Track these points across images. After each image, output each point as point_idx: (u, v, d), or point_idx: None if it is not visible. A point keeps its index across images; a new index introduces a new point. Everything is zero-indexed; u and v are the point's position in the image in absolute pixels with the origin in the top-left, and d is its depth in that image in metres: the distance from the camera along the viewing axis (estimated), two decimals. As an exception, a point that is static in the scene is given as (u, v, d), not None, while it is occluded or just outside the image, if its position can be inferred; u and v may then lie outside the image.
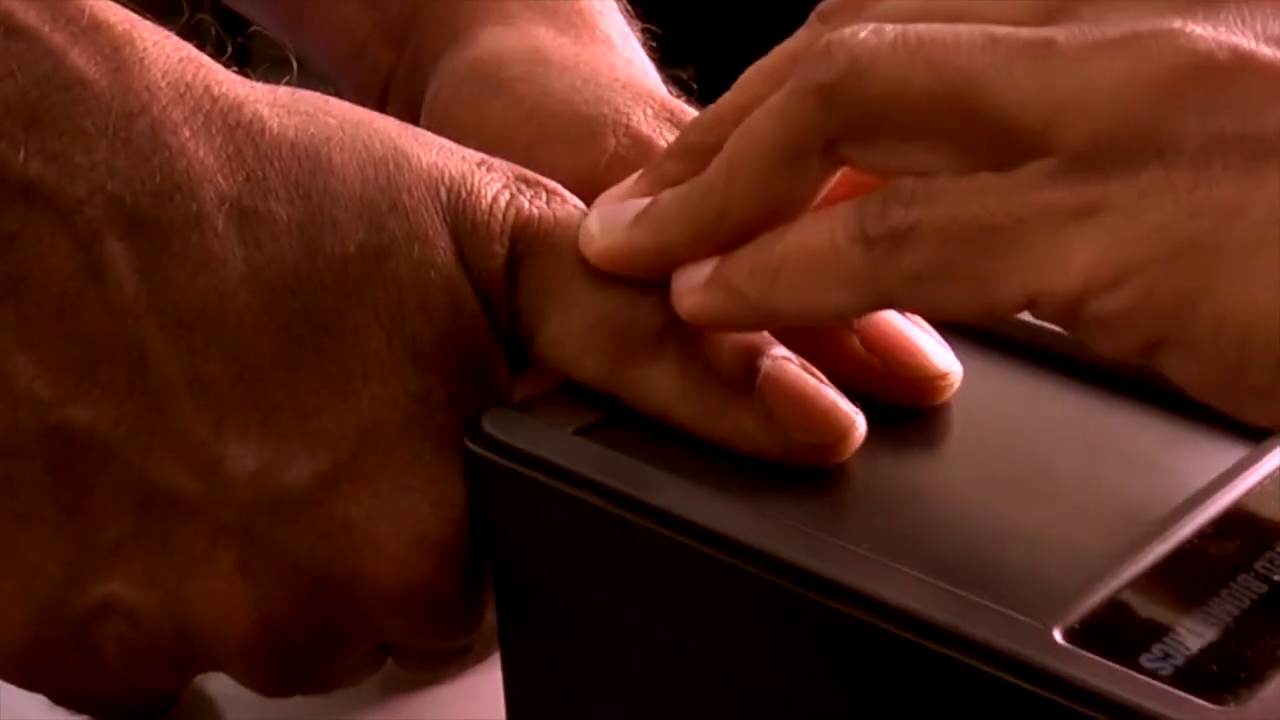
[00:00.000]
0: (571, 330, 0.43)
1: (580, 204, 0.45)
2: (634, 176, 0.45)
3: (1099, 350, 0.37)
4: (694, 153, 0.43)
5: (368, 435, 0.42)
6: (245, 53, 0.56)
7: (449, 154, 0.44)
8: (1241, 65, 0.36)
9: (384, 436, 0.42)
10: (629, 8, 0.59)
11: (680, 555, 0.39)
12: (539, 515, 0.41)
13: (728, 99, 0.44)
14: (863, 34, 0.39)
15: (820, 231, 0.39)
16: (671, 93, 0.53)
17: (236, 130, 0.42)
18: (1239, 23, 0.37)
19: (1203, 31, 0.36)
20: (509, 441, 0.42)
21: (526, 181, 0.45)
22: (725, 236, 0.41)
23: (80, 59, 0.40)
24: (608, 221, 0.43)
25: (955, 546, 0.39)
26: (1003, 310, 0.37)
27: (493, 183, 0.44)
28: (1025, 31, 0.38)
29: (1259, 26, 0.37)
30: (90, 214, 0.40)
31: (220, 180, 0.41)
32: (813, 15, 0.44)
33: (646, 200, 0.43)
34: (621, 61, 0.55)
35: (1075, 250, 0.36)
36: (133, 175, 0.40)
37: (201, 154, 0.41)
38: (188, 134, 0.41)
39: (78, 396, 0.40)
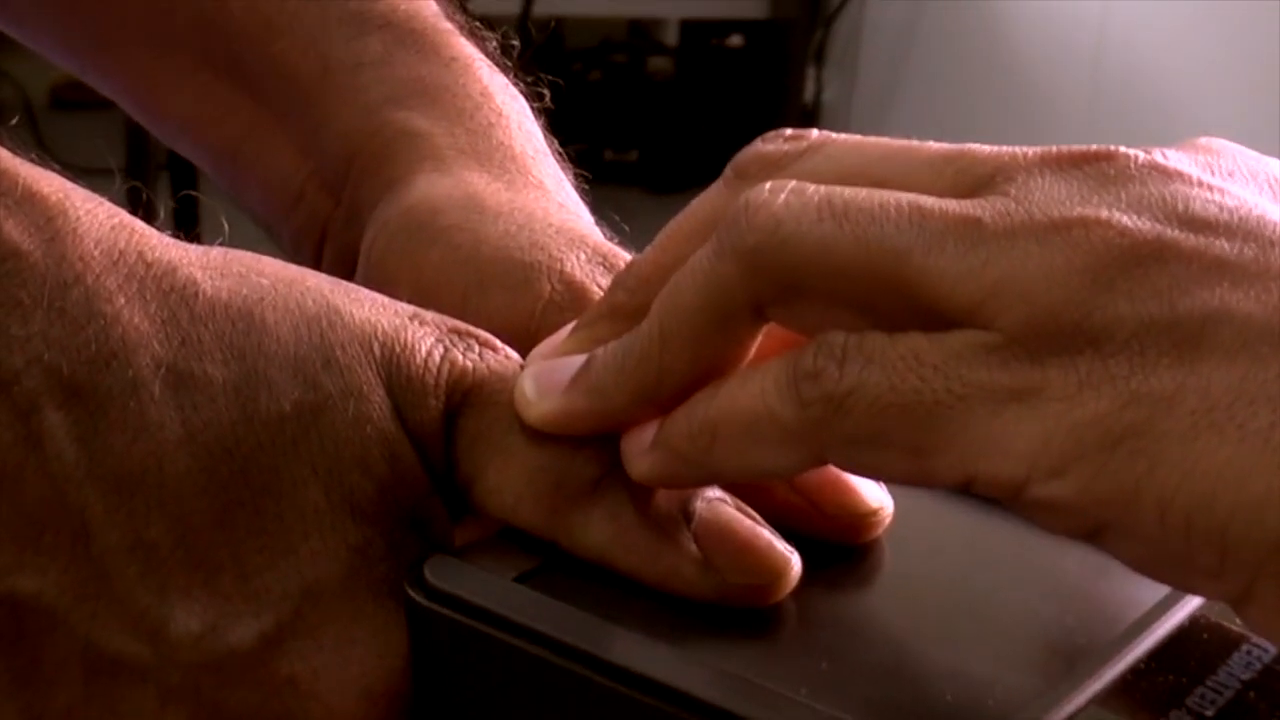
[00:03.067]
0: (508, 480, 0.44)
1: (513, 354, 0.46)
2: (565, 331, 0.45)
3: (1041, 528, 0.37)
4: (622, 313, 0.44)
5: (310, 591, 0.42)
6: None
7: (381, 309, 0.45)
8: (1164, 252, 0.37)
9: (326, 591, 0.42)
10: (560, 150, 0.59)
11: (620, 704, 0.39)
12: (481, 663, 0.42)
13: (651, 258, 0.44)
14: (783, 195, 0.39)
15: (752, 392, 0.40)
16: (605, 235, 0.54)
17: (170, 295, 0.42)
18: (1160, 206, 0.38)
19: (1127, 221, 0.37)
20: (451, 590, 0.42)
21: (459, 334, 0.45)
22: (664, 398, 0.42)
23: (14, 231, 0.41)
24: (543, 385, 0.44)
25: (891, 688, 0.40)
26: (941, 483, 0.38)
27: (426, 336, 0.45)
28: (952, 205, 0.38)
29: (1179, 208, 0.38)
30: (28, 384, 0.40)
31: (155, 345, 0.41)
32: (729, 170, 0.44)
33: (580, 360, 0.44)
34: (555, 206, 0.55)
35: (1015, 435, 0.36)
36: (69, 345, 0.41)
37: (136, 320, 0.41)
38: (122, 301, 0.41)
39: (23, 565, 0.40)
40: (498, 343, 0.46)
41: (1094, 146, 0.39)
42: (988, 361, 0.37)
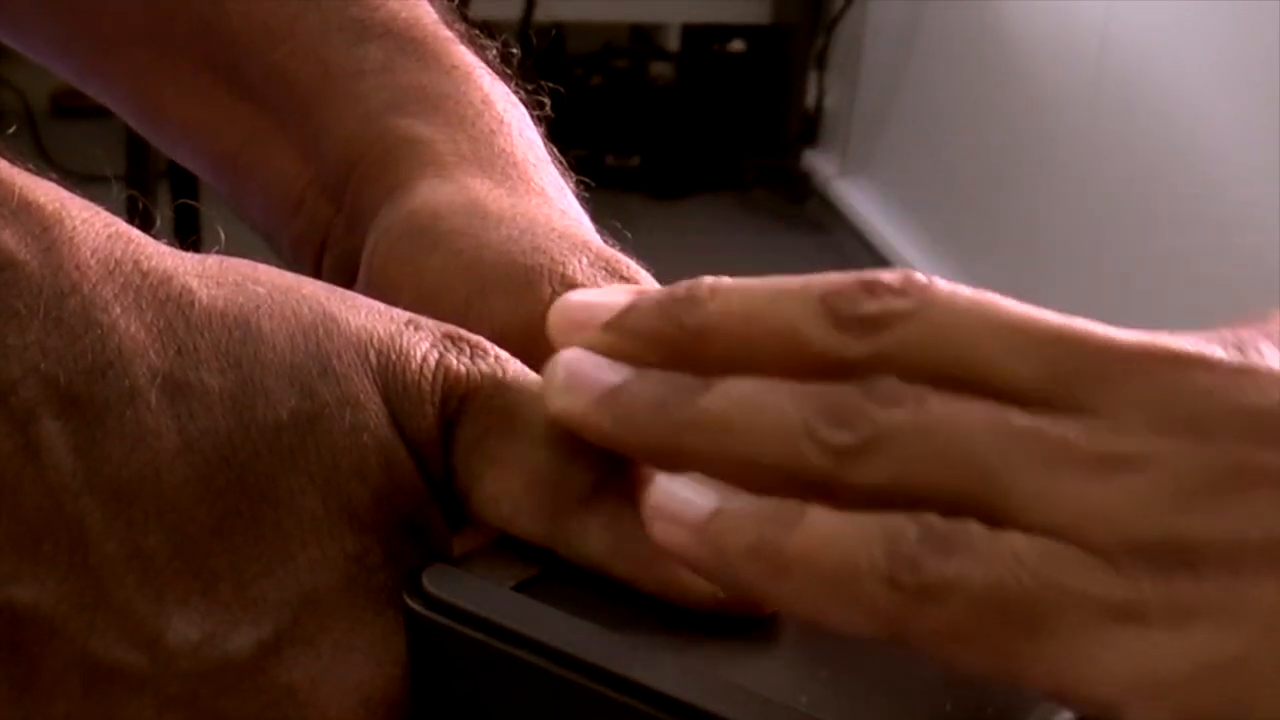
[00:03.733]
0: (506, 489, 0.44)
1: (507, 357, 0.46)
2: (605, 300, 0.43)
3: None
4: (668, 345, 0.42)
5: (308, 599, 0.42)
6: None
7: (377, 316, 0.45)
8: (1256, 475, 0.36)
9: (324, 599, 0.42)
10: (561, 158, 0.59)
11: (619, 712, 0.39)
12: (479, 672, 0.42)
13: (724, 319, 0.41)
14: (886, 415, 0.38)
15: (841, 548, 0.38)
16: (607, 242, 0.54)
17: (166, 304, 0.42)
18: (1251, 423, 0.37)
19: (1214, 447, 0.37)
20: (449, 600, 0.42)
21: (453, 340, 0.45)
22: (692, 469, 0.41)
23: (11, 241, 0.41)
24: (574, 381, 0.42)
25: (890, 697, 0.40)
26: (1028, 689, 0.37)
27: (420, 343, 0.45)
28: (1045, 430, 0.38)
29: (1270, 424, 0.37)
30: (25, 394, 0.40)
31: (152, 355, 0.41)
32: (821, 299, 0.40)
33: (620, 373, 0.42)
34: (557, 212, 0.55)
35: (1112, 657, 0.36)
36: (66, 354, 0.41)
37: (133, 329, 0.41)
38: (118, 310, 0.41)
39: (20, 575, 0.40)
40: (490, 347, 0.46)
41: (1190, 348, 0.38)
42: (1087, 576, 0.36)
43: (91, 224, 0.42)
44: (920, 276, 0.40)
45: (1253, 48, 2.47)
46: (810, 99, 3.99)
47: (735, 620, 0.42)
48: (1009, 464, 0.37)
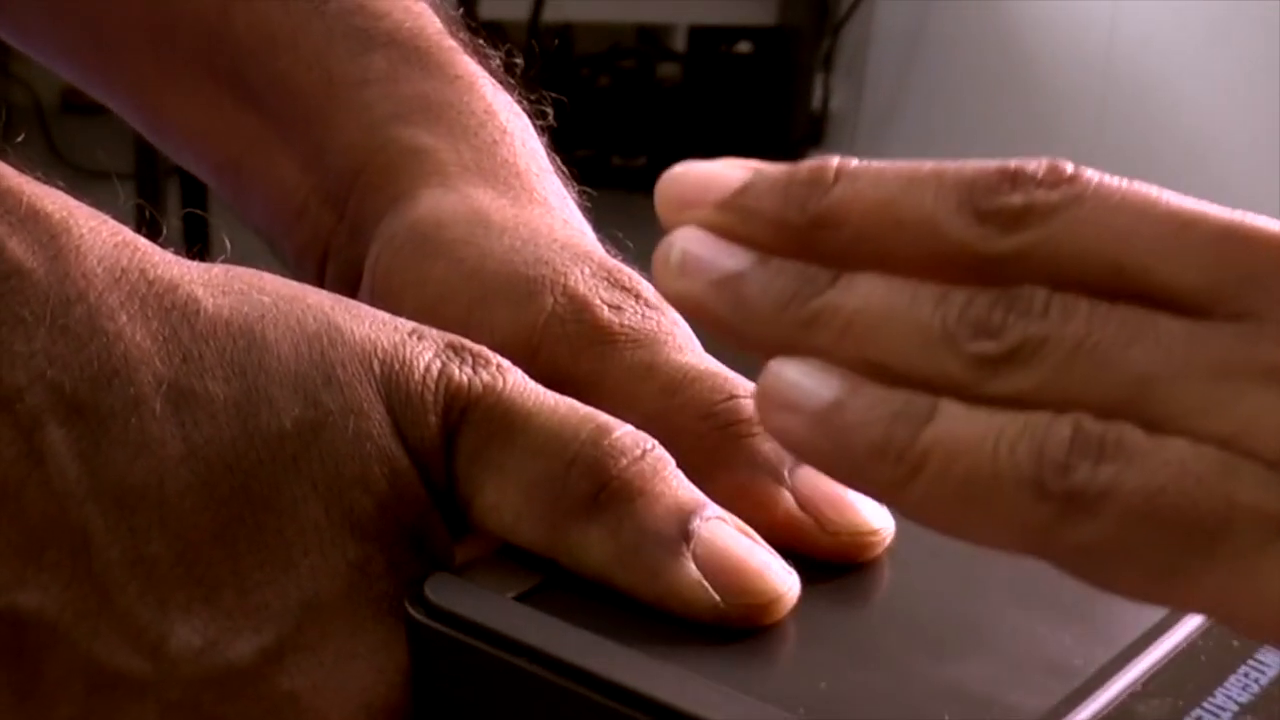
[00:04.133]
0: (506, 498, 0.44)
1: (509, 367, 0.46)
2: (728, 173, 0.40)
3: None
4: (792, 232, 0.38)
5: (310, 607, 0.42)
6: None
7: (381, 325, 0.45)
8: None
9: (326, 607, 0.42)
10: (563, 168, 0.59)
11: None
12: (481, 681, 0.42)
13: (852, 205, 0.38)
14: (1034, 325, 0.35)
15: (980, 450, 0.34)
16: (609, 252, 0.54)
17: (172, 312, 0.42)
18: None
19: None
20: (451, 609, 0.42)
21: (455, 349, 0.45)
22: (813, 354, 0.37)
23: (18, 248, 0.41)
24: (692, 266, 0.38)
25: (889, 708, 0.40)
26: (1185, 609, 0.35)
27: (424, 352, 0.45)
28: (1202, 337, 0.34)
29: None
30: (30, 401, 0.40)
31: (157, 363, 0.42)
32: (963, 191, 0.37)
33: (739, 259, 0.38)
34: (559, 222, 0.55)
35: None
36: (71, 362, 0.41)
37: (138, 337, 0.42)
38: (124, 319, 0.42)
39: (24, 582, 0.41)
40: (492, 356, 0.46)
41: None
42: (1260, 488, 0.33)
43: (98, 232, 0.42)
44: (1067, 165, 0.36)
45: (1259, 49, 2.48)
46: (816, 100, 3.98)
47: (735, 631, 0.42)
48: (1169, 374, 0.34)
